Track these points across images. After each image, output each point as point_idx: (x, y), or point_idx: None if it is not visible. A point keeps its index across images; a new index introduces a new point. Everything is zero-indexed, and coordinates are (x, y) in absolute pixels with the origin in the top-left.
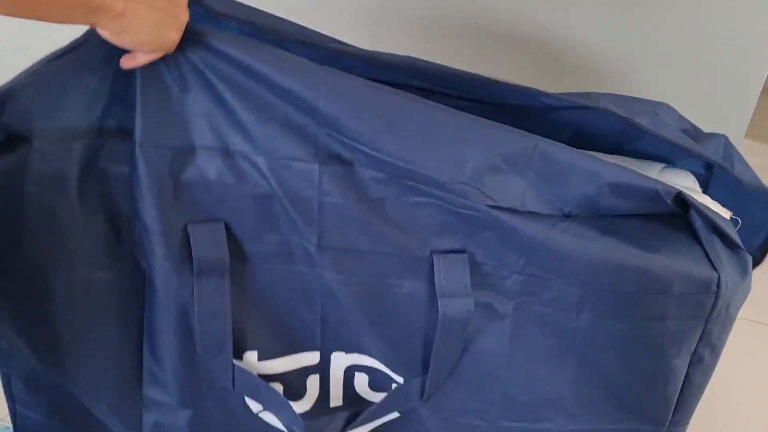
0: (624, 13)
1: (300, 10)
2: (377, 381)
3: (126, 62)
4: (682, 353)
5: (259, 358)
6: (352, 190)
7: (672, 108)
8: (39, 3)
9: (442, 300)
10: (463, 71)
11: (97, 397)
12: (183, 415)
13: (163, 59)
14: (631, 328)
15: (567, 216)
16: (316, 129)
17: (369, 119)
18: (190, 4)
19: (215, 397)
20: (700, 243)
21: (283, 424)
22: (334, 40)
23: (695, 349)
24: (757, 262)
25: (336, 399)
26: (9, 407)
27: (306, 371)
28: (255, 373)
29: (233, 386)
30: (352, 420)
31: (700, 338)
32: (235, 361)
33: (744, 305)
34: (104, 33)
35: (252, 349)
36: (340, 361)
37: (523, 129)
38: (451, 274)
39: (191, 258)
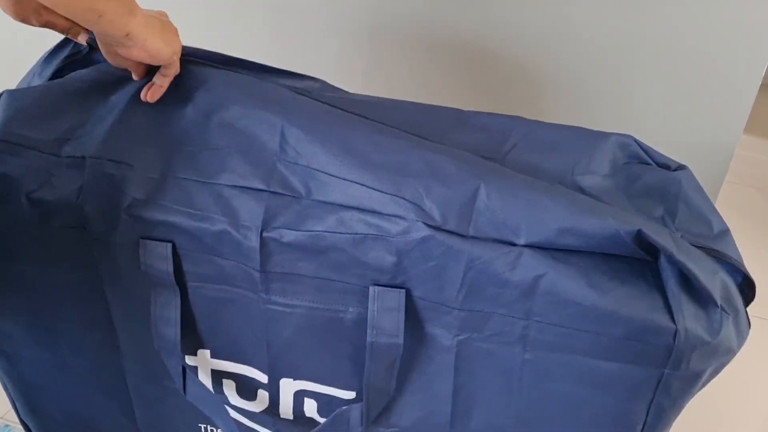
0: (621, 7)
1: (293, 31)
2: (326, 406)
3: (154, 94)
4: (638, 399)
5: (212, 356)
6: (295, 222)
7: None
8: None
9: (371, 332)
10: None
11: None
12: (151, 387)
13: None
14: (578, 365)
15: (518, 245)
16: (276, 157)
17: (325, 143)
18: None
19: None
20: (662, 291)
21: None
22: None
23: (653, 398)
24: (748, 300)
25: (286, 414)
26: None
27: (256, 383)
28: (209, 367)
29: (184, 390)
30: None
31: (658, 388)
32: (188, 357)
33: None
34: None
35: (205, 347)
36: (288, 386)
37: None
38: (385, 309)
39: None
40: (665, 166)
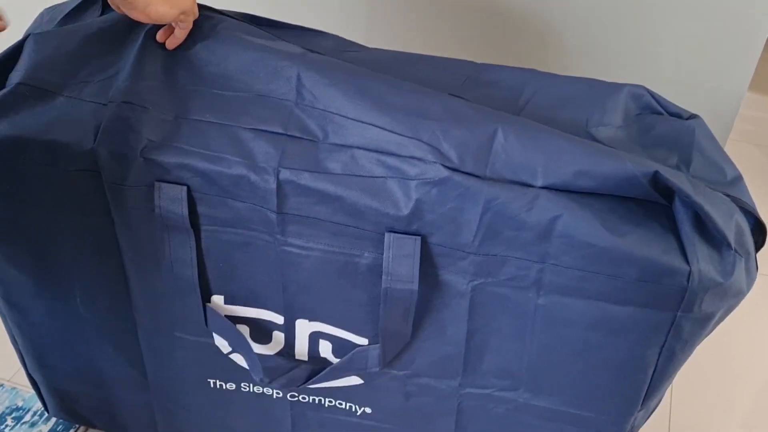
0: None
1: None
2: (340, 348)
3: (171, 43)
4: (650, 343)
5: (226, 302)
6: (312, 164)
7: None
8: None
9: (386, 278)
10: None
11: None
12: (162, 339)
13: None
14: (591, 310)
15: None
16: (293, 102)
17: (341, 86)
18: None
19: (189, 332)
20: (676, 234)
21: (247, 366)
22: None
23: (665, 342)
24: (758, 246)
25: (301, 355)
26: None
27: (271, 325)
28: (222, 313)
29: (206, 323)
30: (314, 374)
31: (670, 331)
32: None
33: None
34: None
35: (218, 293)
36: (304, 327)
37: None
38: (400, 256)
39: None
40: (677, 115)
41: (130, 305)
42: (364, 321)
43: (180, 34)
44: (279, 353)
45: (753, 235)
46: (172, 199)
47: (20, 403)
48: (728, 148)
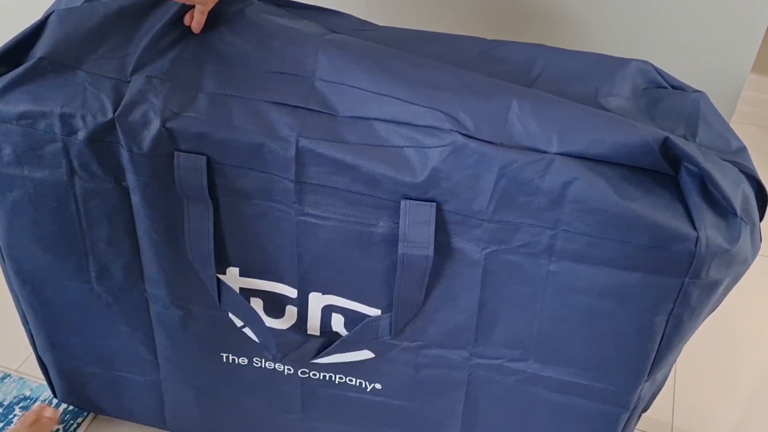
0: None
1: None
2: (352, 321)
3: (196, 25)
4: (659, 310)
5: (241, 274)
6: (330, 135)
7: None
8: None
9: (402, 244)
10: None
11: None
12: (175, 312)
13: None
14: (602, 276)
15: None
16: (313, 77)
17: (360, 62)
18: None
19: (202, 305)
20: (683, 201)
21: (259, 341)
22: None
23: (672, 309)
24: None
25: (313, 329)
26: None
27: (285, 299)
28: (237, 285)
29: (219, 300)
30: (325, 348)
31: (678, 298)
32: (218, 275)
33: None
34: None
35: (234, 266)
36: (317, 300)
37: None
38: (416, 222)
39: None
40: (681, 89)
41: (142, 280)
42: (377, 292)
43: (200, 18)
44: (291, 328)
45: (758, 202)
46: (191, 169)
47: (28, 393)
48: None
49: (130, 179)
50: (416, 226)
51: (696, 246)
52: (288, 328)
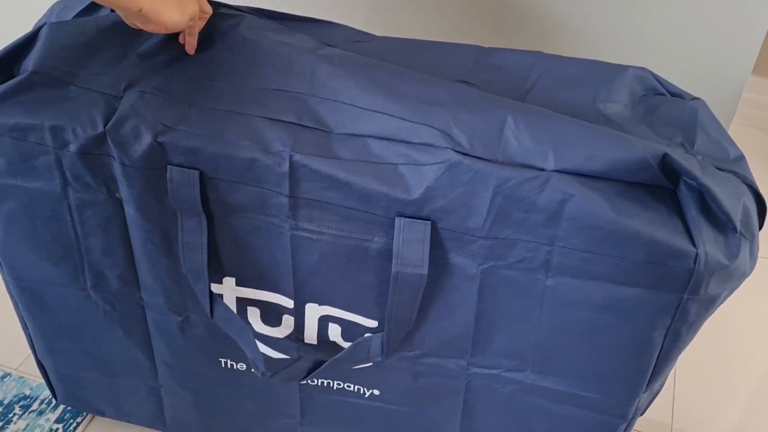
0: None
1: None
2: (349, 331)
3: (189, 47)
4: (657, 325)
5: (237, 284)
6: (324, 151)
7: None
8: None
9: (396, 262)
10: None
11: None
12: (173, 319)
13: None
14: (599, 291)
15: (547, 170)
16: (307, 93)
17: (353, 78)
18: None
19: (200, 313)
20: (682, 216)
21: (249, 358)
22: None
23: (671, 324)
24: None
25: (310, 339)
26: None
27: (282, 309)
28: (233, 295)
29: (211, 314)
30: (316, 368)
31: (677, 314)
32: (214, 285)
33: None
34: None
35: (230, 275)
36: (313, 311)
37: None
38: (410, 240)
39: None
40: (680, 97)
41: (138, 289)
42: (373, 304)
43: (191, 40)
44: (288, 337)
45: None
46: (184, 183)
47: (28, 392)
48: (732, 132)
49: (124, 191)
50: (410, 244)
51: (695, 263)
52: (285, 337)
